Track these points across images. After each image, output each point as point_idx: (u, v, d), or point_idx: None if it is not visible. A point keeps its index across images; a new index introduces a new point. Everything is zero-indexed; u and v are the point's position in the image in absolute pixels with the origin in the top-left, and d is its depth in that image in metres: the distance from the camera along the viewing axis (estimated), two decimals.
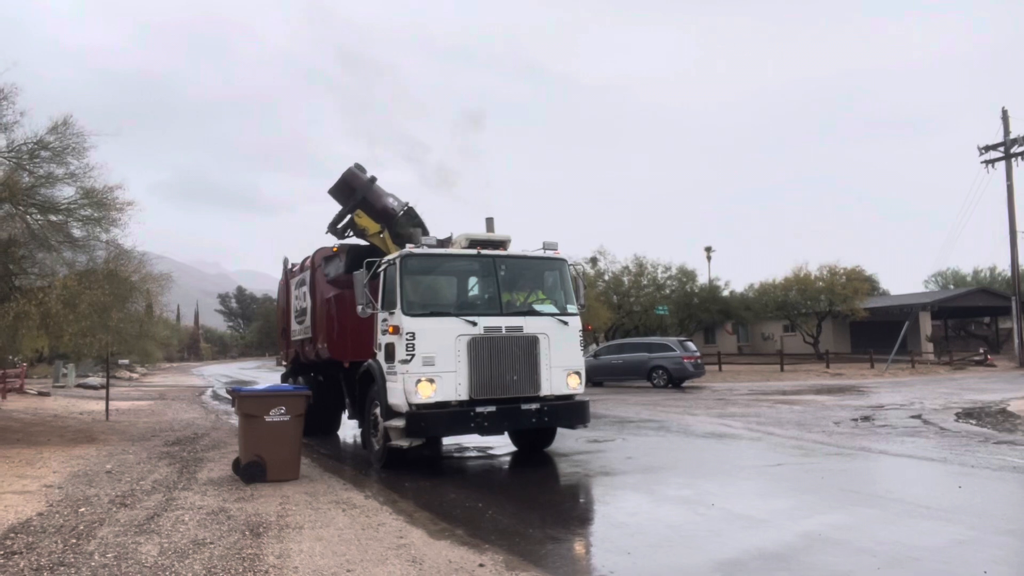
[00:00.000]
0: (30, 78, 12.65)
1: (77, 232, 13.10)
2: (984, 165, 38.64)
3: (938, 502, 7.02)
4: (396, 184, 11.99)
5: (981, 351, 39.12)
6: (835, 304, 40.84)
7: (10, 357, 21.37)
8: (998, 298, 46.95)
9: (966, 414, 14.60)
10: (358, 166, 11.75)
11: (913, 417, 14.32)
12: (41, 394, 22.62)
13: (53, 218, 12.73)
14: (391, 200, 11.51)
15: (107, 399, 17.39)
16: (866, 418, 14.30)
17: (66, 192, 12.85)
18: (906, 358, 35.65)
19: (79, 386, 27.77)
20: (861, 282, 41.82)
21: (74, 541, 5.84)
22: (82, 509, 6.99)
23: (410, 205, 11.59)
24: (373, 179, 11.62)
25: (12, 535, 6.00)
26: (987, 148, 38.48)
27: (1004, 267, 60.70)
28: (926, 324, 43.68)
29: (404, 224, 11.16)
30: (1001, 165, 38.08)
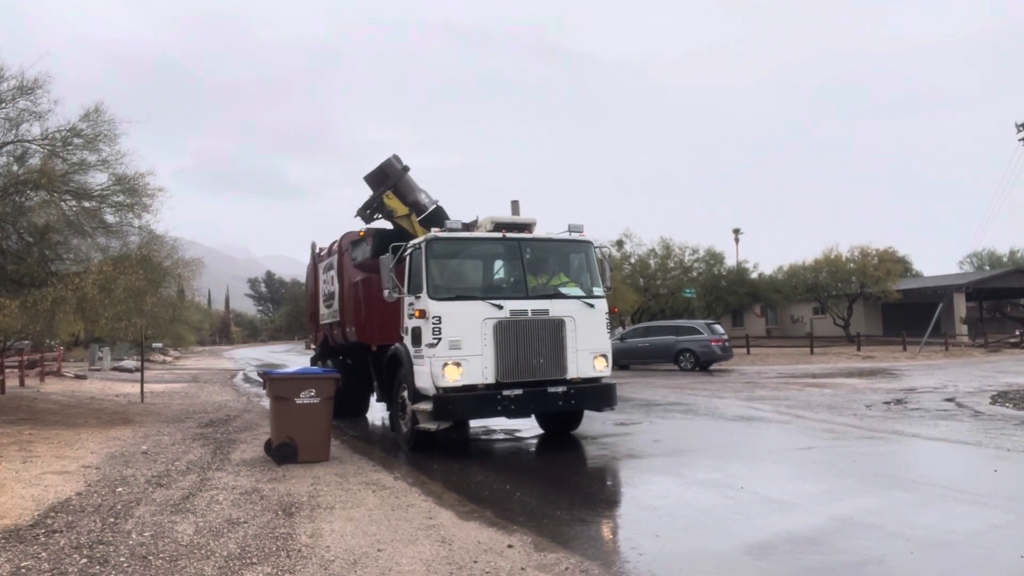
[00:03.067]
0: (55, 67, 12.87)
1: (110, 218, 13.36)
2: (1022, 143, 37.58)
3: (973, 486, 6.91)
4: (421, 169, 11.92)
5: (1017, 333, 38.25)
6: (867, 286, 40.20)
7: (48, 341, 21.90)
8: None
9: (1001, 397, 14.31)
10: (396, 157, 11.78)
11: (947, 400, 14.08)
12: (78, 377, 23.16)
13: (87, 204, 12.97)
14: (423, 196, 11.51)
15: (142, 382, 17.76)
16: (898, 401, 14.09)
17: (99, 179, 13.10)
18: (940, 340, 35.00)
19: (114, 369, 28.38)
20: (894, 263, 41.09)
21: (112, 520, 5.98)
22: (119, 489, 7.16)
23: (439, 204, 11.55)
24: (406, 168, 11.64)
25: (52, 514, 6.17)
26: None
27: None
28: (960, 306, 42.81)
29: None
30: None
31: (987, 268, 58.45)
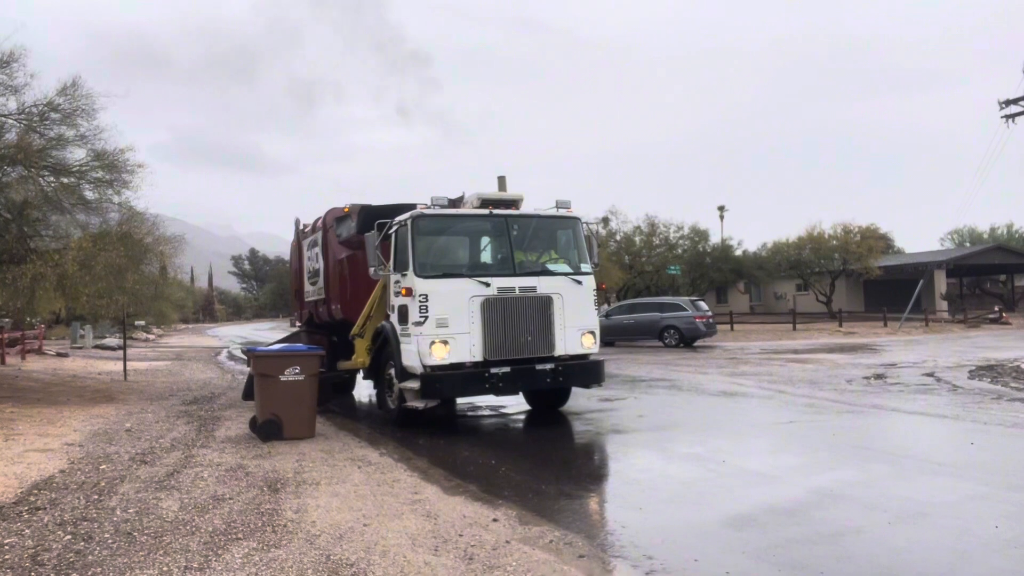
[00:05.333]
0: (29, 40, 12.57)
1: (89, 195, 13.15)
2: (1004, 120, 37.82)
3: (950, 458, 7.04)
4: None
5: (996, 309, 38.81)
6: (849, 263, 40.60)
7: (28, 319, 21.68)
8: (1014, 255, 46.45)
9: (979, 372, 14.55)
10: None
11: (926, 375, 14.30)
12: (59, 355, 22.96)
13: (65, 180, 12.75)
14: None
15: (124, 360, 17.65)
16: (878, 376, 14.29)
17: (77, 154, 12.88)
18: (920, 316, 35.46)
19: (96, 347, 28.17)
20: (876, 240, 41.51)
21: (96, 497, 5.97)
22: (103, 466, 7.13)
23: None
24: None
25: (36, 491, 6.14)
26: (1008, 102, 37.59)
27: (1021, 224, 60.04)
28: (941, 282, 43.35)
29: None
30: (1022, 120, 37.24)
31: (968, 245, 59.14)
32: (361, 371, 11.82)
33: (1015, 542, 4.66)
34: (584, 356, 9.45)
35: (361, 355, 10.65)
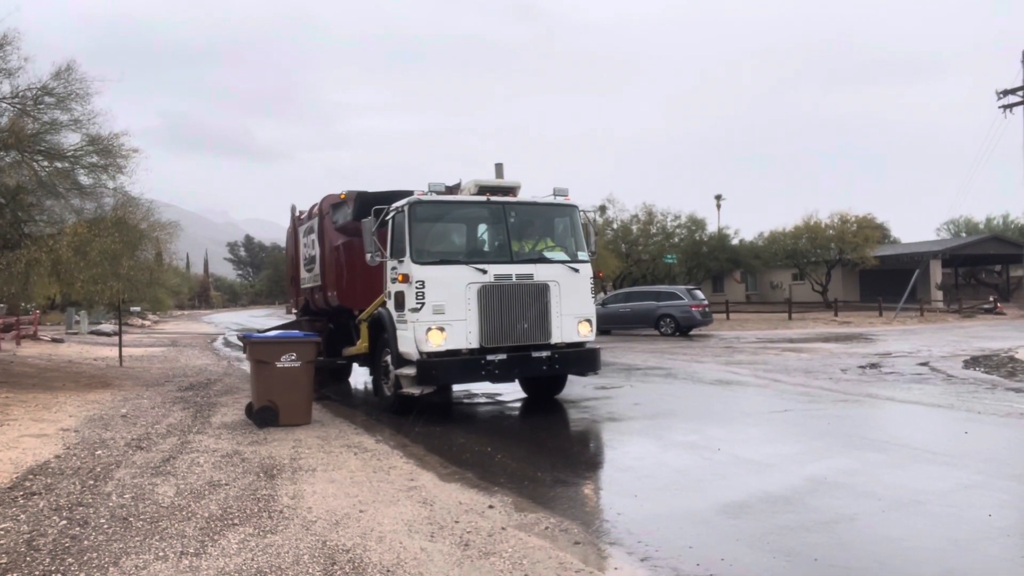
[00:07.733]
0: (22, 24, 12.48)
1: (84, 179, 13.07)
2: (1001, 110, 37.86)
3: (944, 448, 7.07)
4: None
5: (991, 299, 38.96)
6: (845, 252, 40.66)
7: (23, 304, 21.61)
8: (1010, 246, 46.55)
9: (974, 361, 14.61)
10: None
11: (920, 364, 14.35)
12: (55, 340, 22.91)
13: (59, 165, 12.67)
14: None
15: (120, 345, 17.60)
16: (873, 365, 14.34)
17: (71, 139, 12.79)
18: (915, 306, 35.56)
19: (92, 333, 28.10)
20: (872, 230, 41.55)
21: (92, 482, 5.96)
22: (99, 452, 7.13)
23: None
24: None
25: (31, 476, 6.13)
26: (1005, 92, 37.63)
27: (1017, 214, 60.15)
28: (936, 272, 43.45)
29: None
30: (1019, 110, 37.32)
31: (963, 235, 59.24)
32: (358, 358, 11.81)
33: (1008, 531, 4.70)
34: (580, 344, 9.46)
35: (366, 340, 10.65)
